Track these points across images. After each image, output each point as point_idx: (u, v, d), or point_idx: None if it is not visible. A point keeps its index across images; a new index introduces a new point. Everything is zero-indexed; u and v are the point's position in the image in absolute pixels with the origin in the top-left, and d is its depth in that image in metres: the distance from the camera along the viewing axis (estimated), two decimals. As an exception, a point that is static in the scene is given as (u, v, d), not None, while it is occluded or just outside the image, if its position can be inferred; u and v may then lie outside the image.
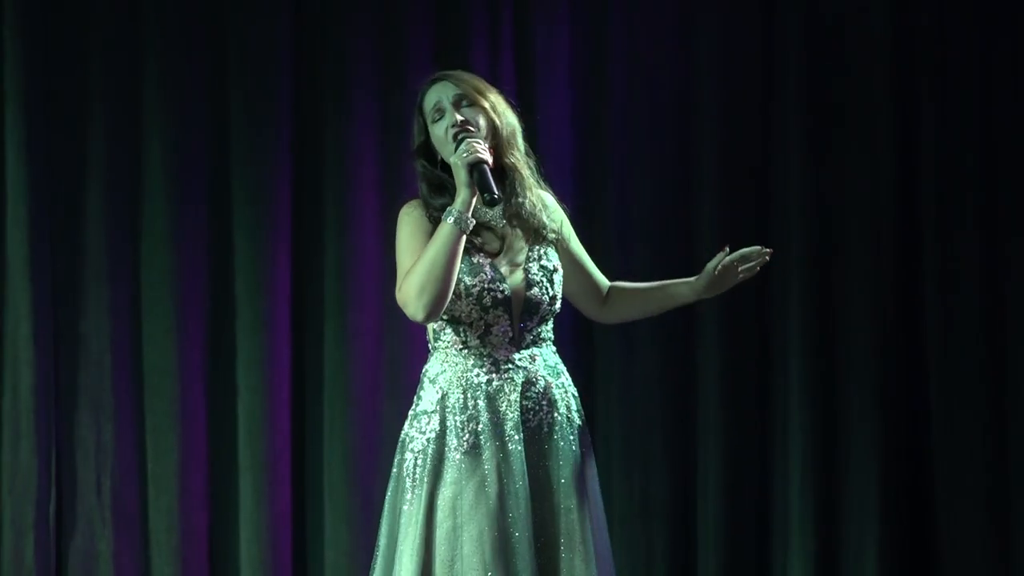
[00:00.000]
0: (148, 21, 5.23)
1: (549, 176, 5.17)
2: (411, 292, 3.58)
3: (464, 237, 3.60)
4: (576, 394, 3.78)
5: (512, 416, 3.65)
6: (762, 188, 5.41)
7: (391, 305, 5.27)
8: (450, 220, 3.59)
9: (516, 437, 3.63)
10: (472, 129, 3.68)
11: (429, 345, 3.75)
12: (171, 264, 5.20)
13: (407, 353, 5.28)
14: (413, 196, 5.05)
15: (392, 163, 5.32)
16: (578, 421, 3.75)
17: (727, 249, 3.84)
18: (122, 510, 5.19)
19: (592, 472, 3.75)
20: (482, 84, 3.78)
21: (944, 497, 5.30)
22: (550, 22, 5.39)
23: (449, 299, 3.60)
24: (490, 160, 3.63)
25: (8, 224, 5.14)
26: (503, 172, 3.74)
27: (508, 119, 3.76)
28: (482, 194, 3.59)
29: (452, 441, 3.64)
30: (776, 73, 5.38)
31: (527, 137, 3.83)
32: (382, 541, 3.67)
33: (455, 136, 3.66)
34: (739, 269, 3.87)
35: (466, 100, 3.73)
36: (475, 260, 3.69)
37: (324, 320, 5.28)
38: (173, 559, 5.18)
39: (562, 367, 3.77)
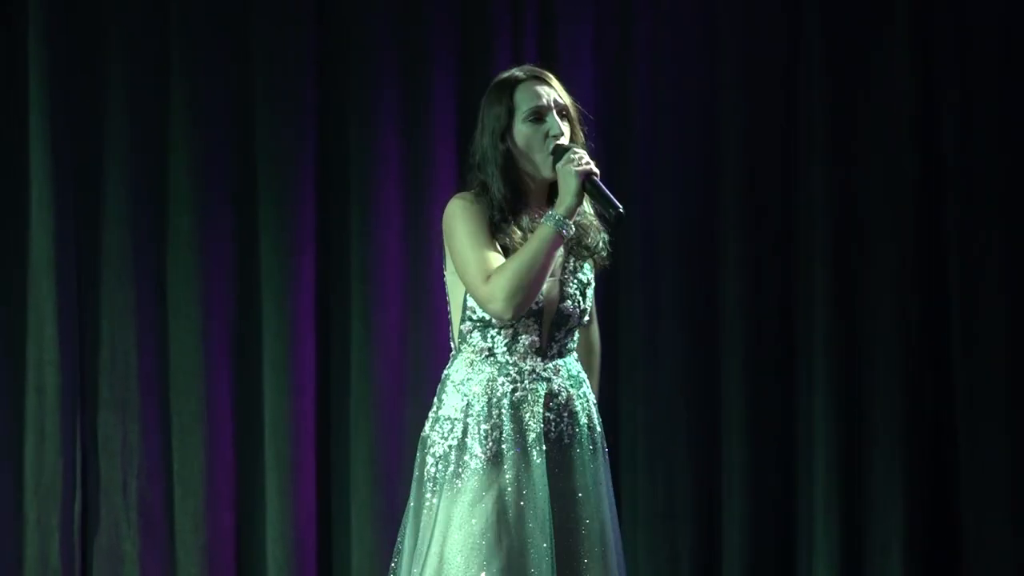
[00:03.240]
0: (173, 25, 5.24)
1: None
2: (503, 291, 3.52)
3: (561, 244, 3.58)
4: (595, 402, 3.75)
5: (535, 427, 3.61)
6: (787, 187, 5.41)
7: (415, 306, 5.30)
8: (551, 224, 3.54)
9: (538, 448, 3.60)
10: (572, 142, 3.65)
11: (453, 346, 3.72)
12: (196, 265, 5.21)
13: (431, 354, 5.28)
14: (442, 195, 5.08)
15: (416, 165, 5.33)
16: (599, 430, 3.72)
17: None
18: (148, 510, 5.19)
19: (609, 482, 3.72)
20: (571, 99, 3.73)
21: (969, 498, 5.30)
22: (574, 22, 5.39)
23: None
24: (598, 172, 3.60)
25: (32, 226, 5.15)
26: (554, 182, 3.67)
27: (581, 137, 3.72)
28: (606, 209, 3.57)
29: (475, 449, 3.60)
30: (801, 71, 5.38)
31: None
32: (405, 543, 3.65)
33: (556, 147, 3.62)
34: None
35: (564, 112, 3.69)
36: None
37: (349, 321, 5.28)
38: (199, 559, 5.18)
39: (583, 376, 3.74)
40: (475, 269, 3.57)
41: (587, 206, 3.68)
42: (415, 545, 3.62)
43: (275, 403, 5.20)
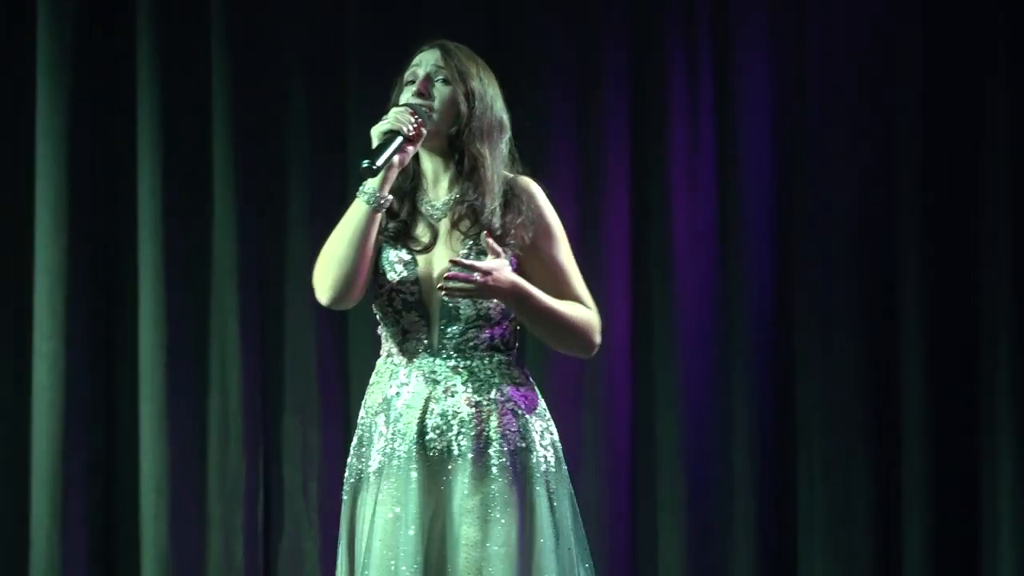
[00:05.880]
0: (348, 23, 5.28)
1: (740, 169, 5.18)
2: (317, 274, 3.32)
3: (377, 218, 3.26)
4: (519, 411, 3.33)
5: (409, 436, 3.29)
6: (970, 191, 5.30)
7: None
8: (361, 198, 3.26)
9: (412, 458, 3.27)
10: (427, 104, 3.33)
11: None
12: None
13: (605, 359, 5.27)
14: (615, 208, 5.06)
15: (589, 178, 5.31)
16: (516, 444, 3.30)
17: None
18: (329, 511, 5.25)
19: (532, 500, 3.30)
20: (475, 68, 3.39)
21: None
22: (749, 48, 5.35)
23: (359, 287, 3.29)
24: (410, 134, 3.26)
25: (215, 229, 5.23)
26: (461, 162, 3.34)
27: (490, 112, 3.36)
28: (362, 159, 3.24)
29: (369, 459, 3.36)
30: (985, 79, 5.26)
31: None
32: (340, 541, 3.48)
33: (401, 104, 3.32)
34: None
35: (444, 75, 3.36)
36: (393, 255, 3.35)
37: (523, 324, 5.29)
38: (378, 560, 5.22)
39: (498, 379, 3.33)
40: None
41: (474, 194, 3.32)
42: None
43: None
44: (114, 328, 5.22)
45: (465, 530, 3.25)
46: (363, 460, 3.38)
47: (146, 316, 5.14)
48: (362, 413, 3.43)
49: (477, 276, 3.21)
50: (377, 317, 3.40)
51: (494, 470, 3.28)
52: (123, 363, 5.20)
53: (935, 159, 5.28)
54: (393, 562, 3.27)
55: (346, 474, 3.44)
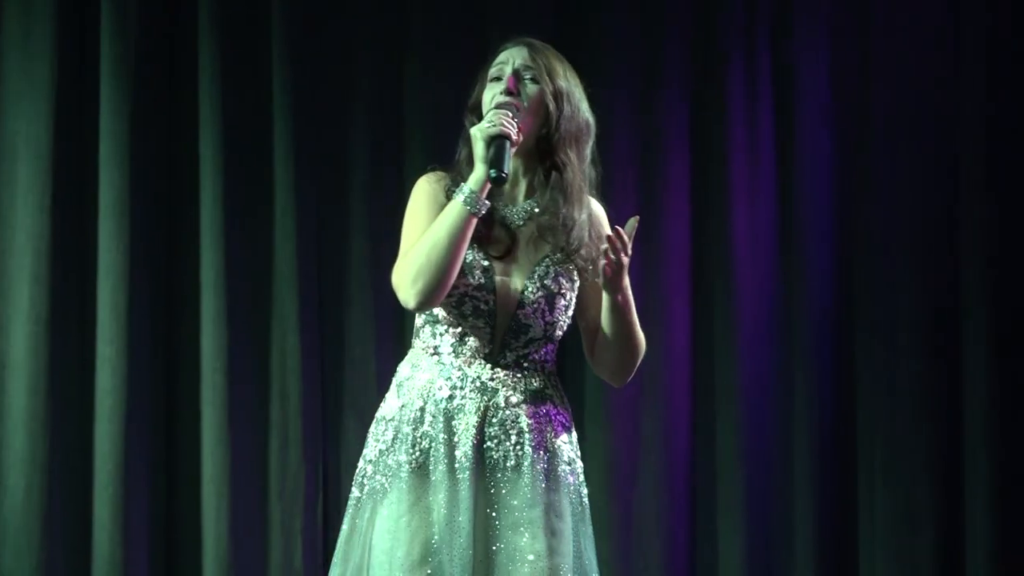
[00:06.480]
0: (412, 25, 5.30)
1: (800, 170, 5.16)
2: (407, 276, 3.17)
3: (475, 221, 3.15)
4: (568, 425, 3.31)
5: (466, 442, 3.21)
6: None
7: (647, 311, 5.27)
8: (460, 198, 3.15)
9: (466, 465, 3.19)
10: (516, 103, 3.23)
11: (412, 340, 3.40)
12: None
13: (664, 360, 5.26)
14: (676, 210, 5.05)
15: (650, 179, 5.31)
16: (566, 457, 3.27)
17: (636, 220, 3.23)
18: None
19: (580, 517, 3.28)
20: (562, 68, 3.30)
21: None
22: (809, 48, 5.33)
23: (447, 291, 3.17)
24: (515, 138, 3.18)
25: (277, 236, 5.26)
26: (549, 171, 3.28)
27: (578, 114, 3.29)
28: (488, 168, 3.14)
29: (402, 456, 3.24)
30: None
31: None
32: (341, 539, 3.35)
33: (497, 105, 3.21)
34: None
35: (532, 74, 3.27)
36: (471, 258, 3.23)
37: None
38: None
39: (551, 392, 3.30)
40: (400, 253, 3.24)
41: (563, 205, 3.26)
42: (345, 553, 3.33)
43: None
44: (176, 333, 5.25)
45: (528, 542, 3.18)
46: (394, 455, 3.25)
47: (207, 321, 5.17)
48: (396, 404, 3.30)
49: (625, 257, 3.16)
50: (435, 313, 3.30)
51: (556, 482, 3.25)
52: (185, 368, 5.23)
53: (997, 161, 5.24)
54: (430, 570, 3.18)
55: (361, 466, 3.31)
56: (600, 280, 3.21)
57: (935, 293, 5.28)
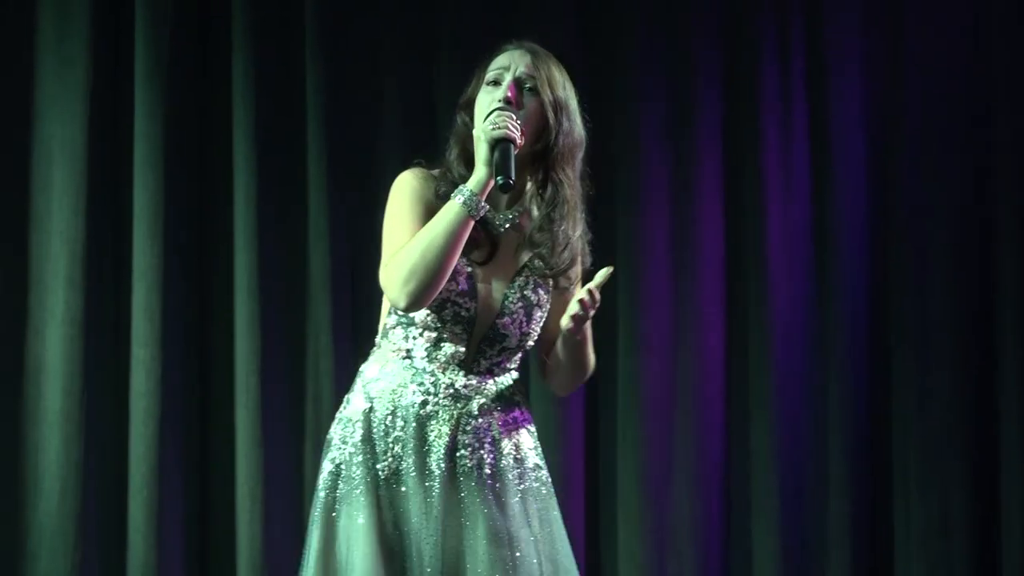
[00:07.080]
0: (441, 25, 5.30)
1: (834, 172, 5.14)
2: (398, 276, 3.10)
3: (471, 224, 3.09)
4: (534, 431, 3.29)
5: (438, 449, 3.17)
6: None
7: (681, 313, 5.27)
8: (459, 200, 3.08)
9: (437, 473, 3.15)
10: (515, 111, 3.14)
11: (376, 340, 3.35)
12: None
13: (699, 364, 5.25)
14: (709, 207, 5.03)
15: (682, 176, 5.31)
16: (532, 463, 3.26)
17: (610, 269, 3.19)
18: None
19: (550, 517, 3.25)
20: (562, 78, 3.22)
21: None
22: (842, 49, 5.31)
23: (437, 293, 3.10)
24: (519, 142, 3.11)
25: (310, 237, 5.26)
26: (543, 184, 3.23)
27: (575, 128, 3.22)
28: (496, 175, 3.07)
29: (372, 462, 3.18)
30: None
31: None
32: (311, 549, 3.22)
33: (489, 113, 3.13)
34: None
35: (532, 84, 3.19)
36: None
37: (616, 328, 5.28)
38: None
39: (519, 397, 3.28)
40: (385, 252, 3.18)
41: (559, 222, 3.21)
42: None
43: (544, 413, 5.21)
44: (210, 336, 5.26)
45: (500, 550, 3.13)
46: (364, 459, 3.19)
47: (241, 324, 5.18)
48: (363, 405, 3.24)
49: (593, 311, 3.14)
50: (411, 316, 3.23)
51: (527, 490, 3.22)
52: (219, 370, 5.24)
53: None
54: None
55: (327, 469, 3.23)
56: (564, 327, 3.17)
57: (970, 297, 5.25)
